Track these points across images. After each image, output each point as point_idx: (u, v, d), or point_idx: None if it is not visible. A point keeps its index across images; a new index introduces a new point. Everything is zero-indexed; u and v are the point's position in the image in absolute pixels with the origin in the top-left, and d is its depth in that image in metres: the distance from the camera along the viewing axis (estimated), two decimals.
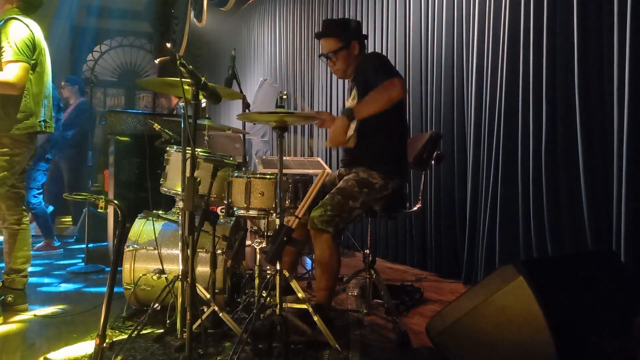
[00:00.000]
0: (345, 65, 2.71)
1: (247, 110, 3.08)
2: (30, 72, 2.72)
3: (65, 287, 3.41)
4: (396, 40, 4.46)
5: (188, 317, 1.81)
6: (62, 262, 4.25)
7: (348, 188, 2.52)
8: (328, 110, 5.51)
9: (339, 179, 2.66)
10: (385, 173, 2.57)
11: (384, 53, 4.58)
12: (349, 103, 2.74)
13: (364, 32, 4.60)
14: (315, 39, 5.86)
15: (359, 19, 4.97)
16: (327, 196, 2.48)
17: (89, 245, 4.06)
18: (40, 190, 4.81)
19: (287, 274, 2.27)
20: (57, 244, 4.97)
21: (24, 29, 2.68)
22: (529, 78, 3.08)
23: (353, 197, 2.50)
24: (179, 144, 2.69)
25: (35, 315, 2.75)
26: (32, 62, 2.72)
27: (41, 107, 2.79)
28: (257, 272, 2.39)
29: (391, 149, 2.64)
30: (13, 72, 2.61)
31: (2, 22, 2.68)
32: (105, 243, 4.52)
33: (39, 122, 2.77)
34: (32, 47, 2.71)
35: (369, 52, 2.81)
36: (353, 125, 2.53)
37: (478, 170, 3.51)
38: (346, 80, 2.95)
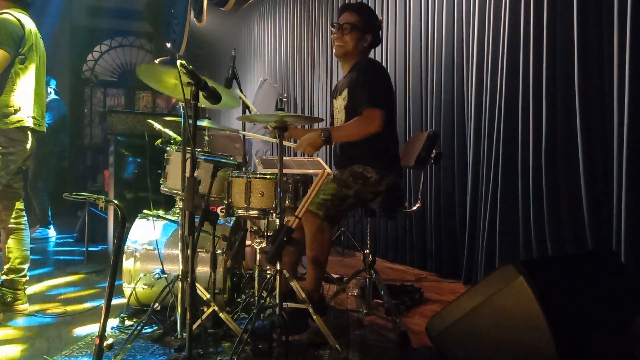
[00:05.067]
0: (350, 45, 2.68)
1: (247, 111, 3.08)
2: (19, 65, 2.72)
3: (65, 287, 3.41)
4: (396, 40, 4.46)
5: (188, 317, 1.80)
6: (62, 262, 4.25)
7: (343, 178, 2.58)
8: (327, 109, 5.51)
9: None
10: (379, 168, 2.61)
11: (384, 53, 4.59)
12: (340, 102, 2.75)
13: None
14: (315, 40, 5.90)
15: None
16: (323, 185, 2.50)
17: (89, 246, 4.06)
18: None
19: (287, 274, 2.28)
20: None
21: (12, 22, 2.68)
22: (529, 78, 3.08)
23: (347, 185, 2.55)
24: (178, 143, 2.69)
25: (35, 315, 2.75)
26: (21, 56, 2.72)
27: (30, 103, 2.78)
28: (257, 272, 2.39)
29: (383, 146, 2.67)
30: None
31: None
32: (105, 245, 4.52)
33: (28, 117, 2.75)
34: (19, 41, 2.70)
35: (373, 59, 2.84)
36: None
37: (478, 170, 3.51)
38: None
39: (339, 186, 2.53)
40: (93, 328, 2.53)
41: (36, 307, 2.88)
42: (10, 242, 2.82)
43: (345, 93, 2.71)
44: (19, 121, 2.71)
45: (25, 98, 2.75)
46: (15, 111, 2.70)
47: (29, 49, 2.76)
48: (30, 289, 3.09)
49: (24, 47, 2.73)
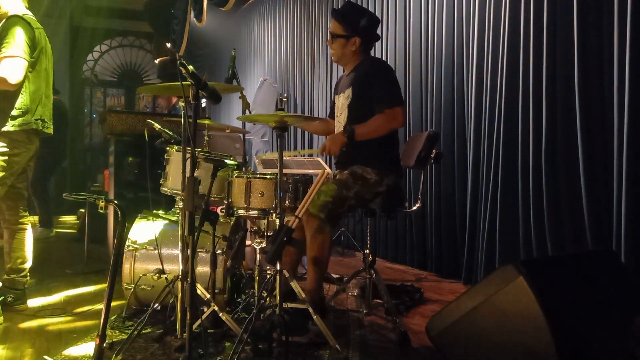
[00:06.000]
0: (339, 53, 2.77)
1: (247, 111, 3.08)
2: (30, 69, 2.71)
3: (65, 287, 3.40)
4: (396, 40, 4.46)
5: (188, 317, 1.80)
6: (62, 262, 4.25)
7: (343, 179, 2.60)
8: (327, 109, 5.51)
9: None
10: (379, 169, 2.62)
11: (384, 53, 4.59)
12: (342, 101, 2.76)
13: None
14: (315, 40, 5.89)
15: None
16: (323, 186, 2.52)
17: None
18: None
19: (287, 274, 2.28)
20: None
21: (25, 27, 2.67)
22: (529, 78, 3.08)
23: (347, 186, 2.57)
24: (179, 143, 2.69)
25: (35, 315, 2.75)
26: (32, 59, 2.71)
27: (38, 106, 2.77)
28: (257, 272, 2.39)
29: (383, 147, 2.68)
30: (9, 68, 2.58)
31: (5, 19, 2.67)
32: (105, 245, 4.52)
33: (35, 119, 2.74)
34: (33, 46, 2.70)
35: (377, 58, 2.85)
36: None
37: (478, 170, 3.51)
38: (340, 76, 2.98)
39: (339, 188, 2.55)
40: (93, 328, 2.53)
41: (36, 307, 2.88)
42: (13, 242, 2.82)
43: (348, 92, 2.71)
44: (26, 123, 2.71)
45: (34, 100, 2.75)
46: (23, 113, 2.70)
47: (40, 51, 2.75)
48: (31, 289, 3.08)
49: (35, 50, 2.72)
